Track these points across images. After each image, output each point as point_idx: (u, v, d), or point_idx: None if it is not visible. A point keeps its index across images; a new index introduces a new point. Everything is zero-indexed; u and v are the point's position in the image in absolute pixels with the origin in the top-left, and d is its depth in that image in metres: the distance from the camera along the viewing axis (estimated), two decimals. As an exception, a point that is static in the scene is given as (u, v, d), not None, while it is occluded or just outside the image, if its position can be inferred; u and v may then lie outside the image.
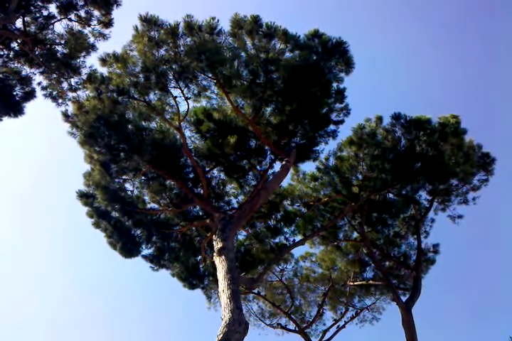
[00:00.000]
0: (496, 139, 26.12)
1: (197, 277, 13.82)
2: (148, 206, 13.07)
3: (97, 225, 12.86)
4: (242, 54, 11.08)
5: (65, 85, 13.04)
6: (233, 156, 12.90)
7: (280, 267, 18.22)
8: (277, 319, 19.14)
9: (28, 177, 30.86)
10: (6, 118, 12.74)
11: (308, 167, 16.03)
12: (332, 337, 18.21)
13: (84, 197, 12.65)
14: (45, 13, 12.29)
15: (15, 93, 12.80)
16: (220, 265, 9.33)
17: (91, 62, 12.81)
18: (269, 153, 12.99)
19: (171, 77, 10.95)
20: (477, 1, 29.45)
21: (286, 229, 14.62)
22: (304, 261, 18.69)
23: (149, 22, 10.73)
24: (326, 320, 18.81)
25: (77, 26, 12.52)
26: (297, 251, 18.80)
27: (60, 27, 12.46)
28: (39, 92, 13.09)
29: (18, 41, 12.29)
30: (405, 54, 31.52)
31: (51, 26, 12.37)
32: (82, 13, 12.41)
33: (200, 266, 13.84)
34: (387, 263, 16.83)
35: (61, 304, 31.20)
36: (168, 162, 12.15)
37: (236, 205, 13.61)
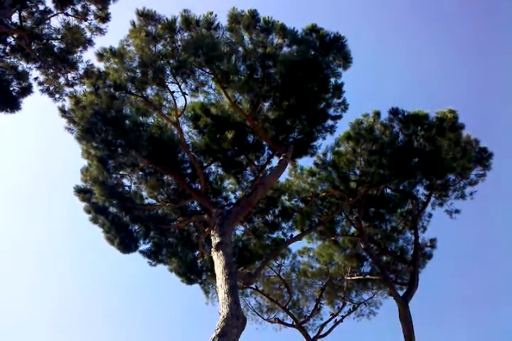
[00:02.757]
0: (493, 134, 26.19)
1: (195, 272, 13.84)
2: (146, 201, 13.09)
3: (94, 221, 12.87)
4: (240, 49, 11.05)
5: (61, 80, 13.02)
6: (231, 151, 12.90)
7: (278, 262, 18.25)
8: (275, 314, 19.21)
9: (25, 173, 30.83)
10: (2, 114, 12.72)
11: (306, 162, 16.06)
12: (329, 331, 18.29)
13: (82, 192, 12.65)
14: (41, 7, 12.24)
15: (11, 88, 12.75)
16: (218, 260, 9.35)
17: (88, 57, 12.79)
18: (266, 148, 12.99)
19: (168, 72, 10.91)
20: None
21: (283, 224, 14.66)
22: (302, 256, 18.74)
23: (146, 17, 10.68)
24: (323, 314, 18.87)
25: (73, 21, 12.48)
26: (295, 246, 18.84)
27: (56, 22, 12.43)
28: (36, 87, 13.07)
29: (15, 36, 12.24)
30: (403, 49, 31.51)
31: (48, 21, 12.32)
32: (78, 7, 12.36)
33: (198, 261, 13.86)
34: (384, 257, 16.88)
35: (59, 300, 31.26)
36: (166, 157, 12.15)
37: (234, 200, 13.62)
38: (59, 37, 12.46)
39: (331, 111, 12.62)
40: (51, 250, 32.03)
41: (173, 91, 11.21)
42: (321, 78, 11.50)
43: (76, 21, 12.46)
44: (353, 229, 16.12)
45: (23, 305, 30.00)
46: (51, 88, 13.10)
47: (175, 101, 11.35)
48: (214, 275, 9.66)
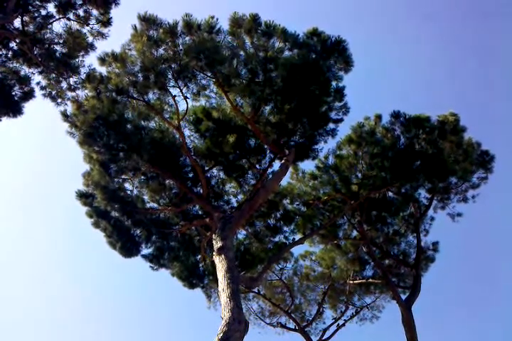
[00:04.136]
0: (495, 137, 26.14)
1: (197, 276, 13.81)
2: (148, 205, 13.05)
3: (96, 225, 12.85)
4: (241, 53, 11.06)
5: (64, 85, 13.05)
6: (232, 155, 12.89)
7: (280, 266, 18.24)
8: (277, 318, 19.18)
9: (27, 178, 30.85)
10: (4, 119, 12.75)
11: (308, 166, 16.03)
12: (332, 335, 18.25)
13: (84, 197, 12.64)
14: (43, 12, 12.32)
15: (14, 93, 12.79)
16: (220, 264, 9.32)
17: (90, 61, 12.83)
18: (268, 152, 12.97)
19: (170, 76, 10.93)
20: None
21: (285, 228, 14.60)
22: (304, 260, 18.73)
23: (148, 21, 10.70)
24: (325, 318, 18.88)
25: (75, 25, 12.55)
26: (297, 250, 18.84)
27: (58, 26, 12.50)
28: (38, 92, 13.12)
29: (17, 41, 12.29)
30: (404, 52, 31.53)
31: (50, 26, 12.38)
32: (80, 12, 12.43)
33: (200, 265, 13.83)
34: (386, 261, 16.85)
35: (61, 304, 31.21)
36: (168, 161, 12.14)
37: (235, 204, 13.60)
38: (61, 41, 12.51)
39: (333, 115, 12.61)
40: (53, 255, 32.05)
41: (175, 96, 11.21)
42: (322, 81, 11.49)
43: (78, 26, 12.52)
44: (355, 233, 16.11)
45: (24, 307, 29.96)
46: (53, 92, 13.14)
47: (176, 105, 11.36)
48: (216, 280, 9.63)
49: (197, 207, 13.45)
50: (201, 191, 12.51)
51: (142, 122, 11.92)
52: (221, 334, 7.27)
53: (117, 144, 11.25)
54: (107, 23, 12.57)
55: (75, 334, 29.69)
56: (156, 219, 13.15)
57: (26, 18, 12.13)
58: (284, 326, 18.76)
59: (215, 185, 13.63)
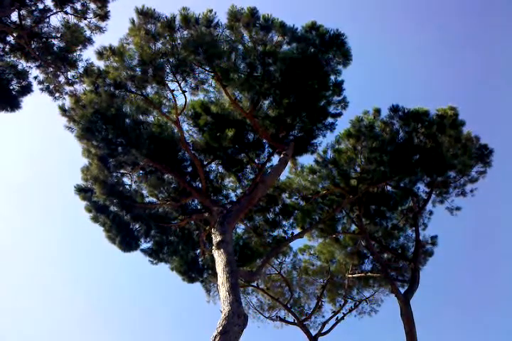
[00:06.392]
0: (494, 131, 26.14)
1: (196, 270, 13.85)
2: (147, 200, 13.07)
3: (95, 219, 12.86)
4: (240, 47, 11.03)
5: (61, 79, 13.01)
6: (231, 150, 12.89)
7: (279, 260, 18.29)
8: (276, 311, 19.26)
9: (26, 172, 30.84)
10: (2, 113, 12.71)
11: (307, 160, 16.06)
12: (331, 329, 18.35)
13: (83, 191, 12.64)
14: (40, 6, 12.24)
15: (11, 87, 12.74)
16: (219, 258, 9.35)
17: (87, 55, 12.81)
18: (267, 146, 12.98)
19: (168, 71, 10.89)
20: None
21: (284, 222, 14.66)
22: (303, 254, 18.80)
23: (146, 15, 10.65)
24: (324, 312, 18.96)
25: (73, 19, 12.48)
26: (296, 244, 18.94)
27: (55, 20, 12.43)
28: (36, 86, 13.07)
29: (14, 35, 12.22)
30: (403, 45, 31.45)
31: (47, 19, 12.31)
32: (78, 5, 12.35)
33: (199, 259, 13.87)
34: (385, 255, 16.89)
35: (60, 299, 31.30)
36: (166, 156, 12.13)
37: (234, 199, 13.62)
38: (58, 35, 12.44)
39: (331, 109, 12.61)
40: (52, 249, 32.10)
41: (173, 90, 11.19)
42: (321, 76, 11.46)
43: (75, 20, 12.45)
44: (353, 227, 16.13)
45: (22, 304, 30.05)
46: (51, 87, 13.09)
47: (175, 100, 11.34)
48: (215, 274, 9.67)
49: (196, 201, 13.46)
50: (200, 185, 12.51)
51: (140, 116, 11.90)
52: (220, 328, 7.31)
53: (116, 138, 11.23)
54: (104, 16, 12.51)
55: (72, 328, 29.80)
56: (155, 213, 13.16)
57: (23, 12, 12.05)
58: (283, 319, 18.85)
59: (213, 180, 13.63)
